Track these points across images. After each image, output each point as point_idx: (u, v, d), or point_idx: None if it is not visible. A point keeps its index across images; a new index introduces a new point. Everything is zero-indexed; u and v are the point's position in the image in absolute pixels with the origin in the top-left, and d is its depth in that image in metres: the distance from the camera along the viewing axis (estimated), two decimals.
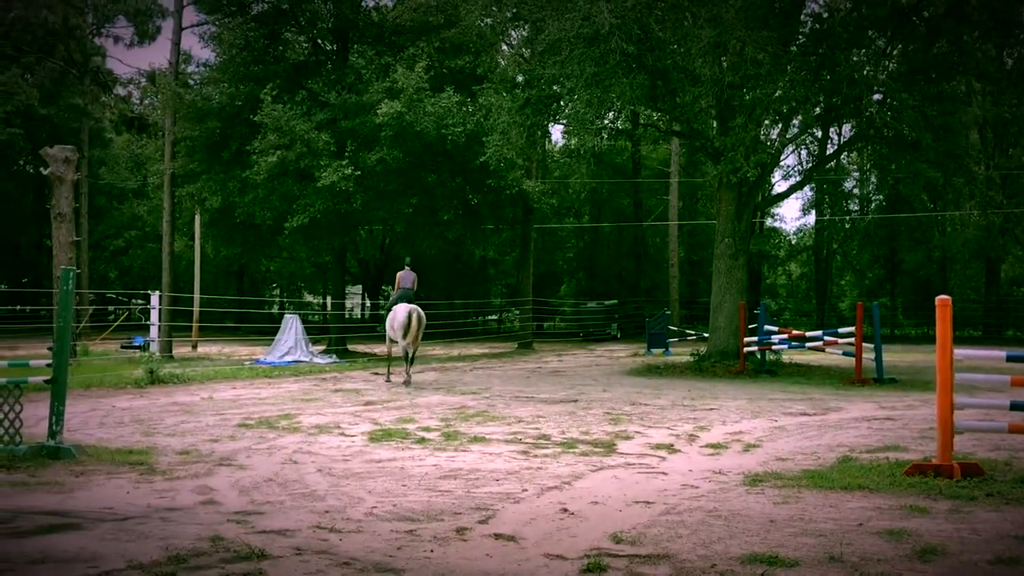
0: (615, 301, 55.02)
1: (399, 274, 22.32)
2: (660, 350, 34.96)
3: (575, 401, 16.49)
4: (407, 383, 19.88)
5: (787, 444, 11.49)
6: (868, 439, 11.72)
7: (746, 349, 23.73)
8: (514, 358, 33.15)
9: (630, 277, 63.54)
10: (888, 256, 59.00)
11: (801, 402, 16.46)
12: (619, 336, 51.53)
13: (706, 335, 28.78)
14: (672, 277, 50.34)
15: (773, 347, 23.44)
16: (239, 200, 32.12)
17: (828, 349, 23.06)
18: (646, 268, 62.57)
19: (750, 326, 25.74)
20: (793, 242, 68.97)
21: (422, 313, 20.37)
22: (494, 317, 67.25)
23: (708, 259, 53.85)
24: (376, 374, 23.35)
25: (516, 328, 47.86)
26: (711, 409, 15.24)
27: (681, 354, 30.62)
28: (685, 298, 56.94)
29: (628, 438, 11.94)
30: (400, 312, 20.29)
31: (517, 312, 47.35)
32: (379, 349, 33.40)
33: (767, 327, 24.11)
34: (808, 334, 23.43)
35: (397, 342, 20.62)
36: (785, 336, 23.33)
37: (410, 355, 20.49)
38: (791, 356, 26.07)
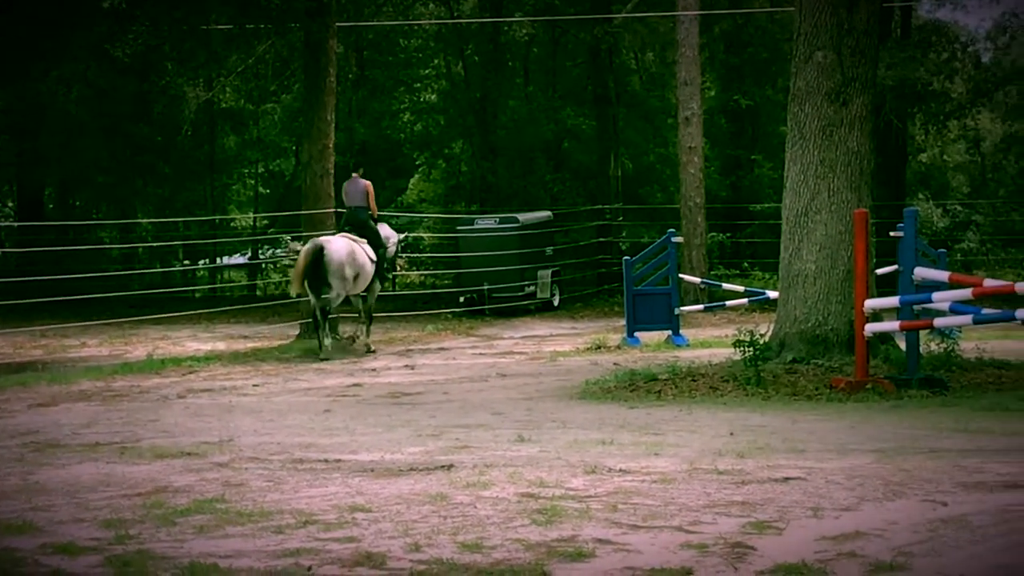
0: (546, 215, 26.87)
1: (344, 185, 16.90)
2: (661, 333, 17.22)
3: (447, 467, 7.41)
4: (343, 343, 16.85)
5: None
6: None
7: (871, 329, 10.84)
8: (292, 362, 16.14)
9: (583, 156, 32.00)
10: None
11: (1015, 456, 7.55)
12: (557, 303, 25.72)
13: (772, 295, 15.29)
14: (687, 151, 23.59)
15: (940, 324, 11.28)
16: None
17: None
18: (625, 133, 30.86)
19: (880, 270, 13.57)
20: (987, 63, 31.88)
21: (336, 247, 15.47)
22: (239, 261, 34.18)
23: (769, 108, 30.50)
24: None
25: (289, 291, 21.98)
26: (785, 479, 6.78)
27: (712, 342, 16.32)
28: (719, 206, 29.00)
29: (581, 557, 5.17)
30: (306, 248, 15.74)
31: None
32: None
33: (924, 271, 11.36)
34: None
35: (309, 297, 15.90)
36: (968, 293, 10.41)
37: (326, 312, 15.90)
38: (984, 342, 12.80)
